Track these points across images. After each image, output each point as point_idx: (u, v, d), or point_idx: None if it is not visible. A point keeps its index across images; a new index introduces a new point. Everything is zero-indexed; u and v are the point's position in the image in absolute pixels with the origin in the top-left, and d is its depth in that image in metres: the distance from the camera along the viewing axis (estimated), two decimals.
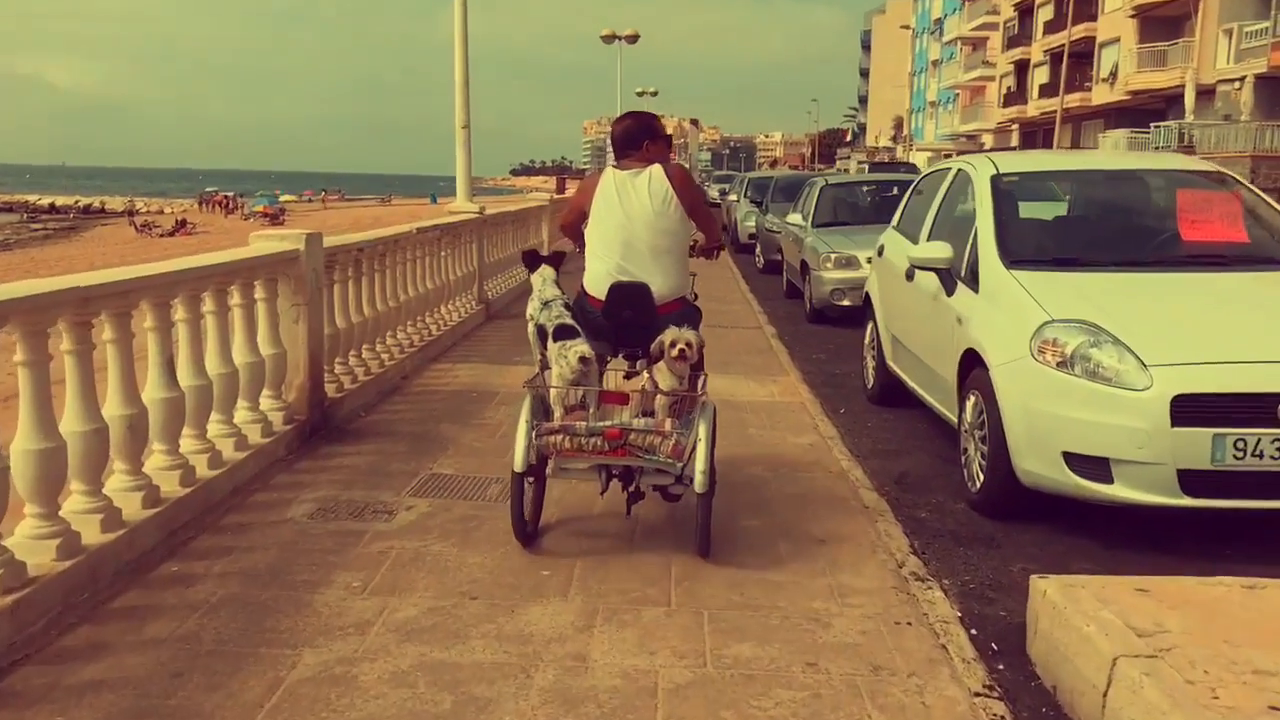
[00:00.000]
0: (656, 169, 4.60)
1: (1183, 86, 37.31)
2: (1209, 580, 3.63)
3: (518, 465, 4.24)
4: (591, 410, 4.32)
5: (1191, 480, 4.40)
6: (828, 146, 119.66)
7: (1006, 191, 5.99)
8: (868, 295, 7.92)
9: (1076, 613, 3.32)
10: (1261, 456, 4.32)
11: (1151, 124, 38.24)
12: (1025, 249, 5.61)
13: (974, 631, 3.81)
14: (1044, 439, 4.70)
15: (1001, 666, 3.58)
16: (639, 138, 4.71)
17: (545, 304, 4.62)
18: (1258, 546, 4.74)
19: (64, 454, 3.87)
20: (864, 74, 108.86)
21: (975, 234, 5.75)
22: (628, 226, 4.54)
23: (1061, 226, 6.29)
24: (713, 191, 40.79)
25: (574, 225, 4.94)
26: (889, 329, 7.31)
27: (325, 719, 3.06)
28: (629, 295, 4.47)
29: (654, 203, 4.54)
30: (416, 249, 8.77)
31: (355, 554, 4.31)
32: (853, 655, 3.52)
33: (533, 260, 4.92)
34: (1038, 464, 4.75)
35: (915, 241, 6.82)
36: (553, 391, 4.35)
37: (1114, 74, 43.82)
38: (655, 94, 61.98)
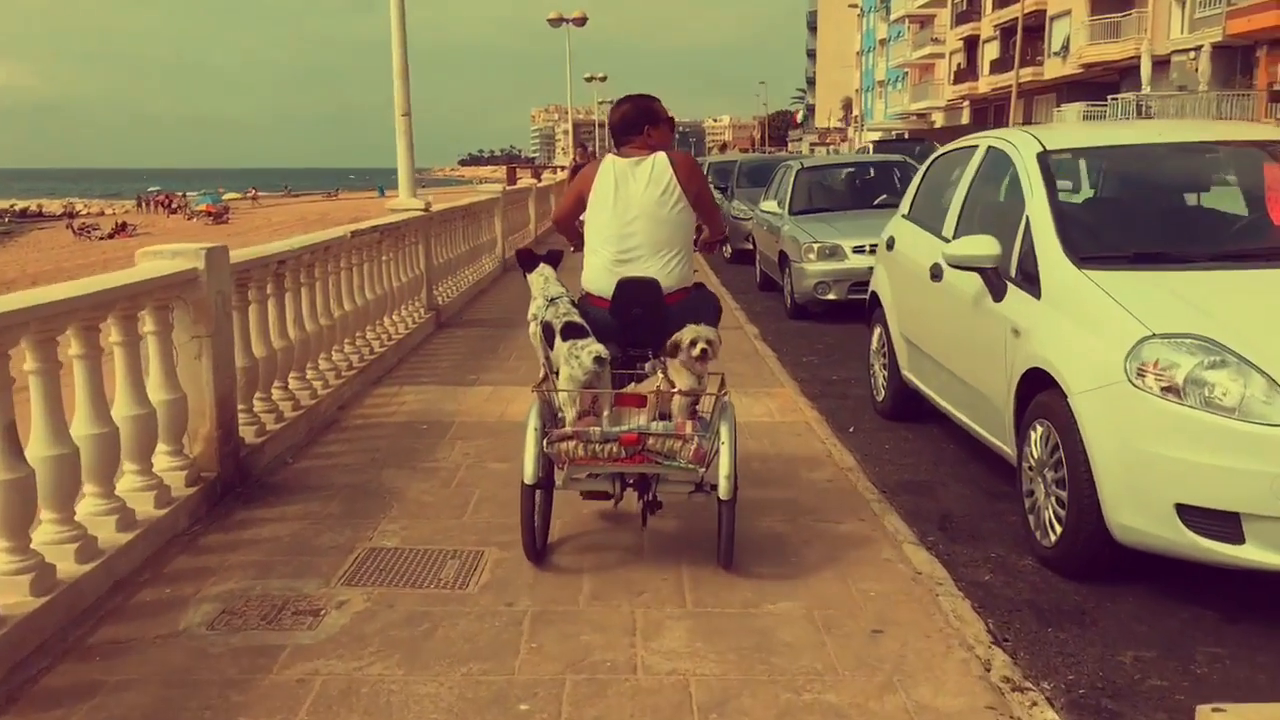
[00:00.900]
0: (660, 157, 4.29)
1: (1137, 58, 36.78)
2: None
3: (528, 477, 3.94)
4: (605, 414, 3.99)
5: None
6: (777, 129, 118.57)
7: (1060, 172, 4.96)
8: (874, 295, 6.91)
9: None
10: None
11: (1108, 96, 37.75)
12: (1096, 243, 4.59)
13: None
14: (1150, 488, 3.71)
15: None
16: (639, 123, 4.40)
17: (550, 301, 4.28)
18: None
19: None
20: (811, 55, 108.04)
21: (1026, 225, 4.71)
22: (627, 218, 4.26)
23: (1132, 213, 5.16)
24: None
25: (570, 219, 4.65)
26: (904, 334, 6.31)
27: None
28: (638, 291, 4.21)
29: (656, 193, 4.25)
30: (352, 255, 7.62)
31: (266, 686, 3.20)
32: None
33: (529, 260, 4.52)
34: (1141, 519, 3.75)
35: (937, 233, 5.81)
36: (562, 395, 4.03)
37: (1065, 47, 43.33)
38: (604, 79, 60.82)
